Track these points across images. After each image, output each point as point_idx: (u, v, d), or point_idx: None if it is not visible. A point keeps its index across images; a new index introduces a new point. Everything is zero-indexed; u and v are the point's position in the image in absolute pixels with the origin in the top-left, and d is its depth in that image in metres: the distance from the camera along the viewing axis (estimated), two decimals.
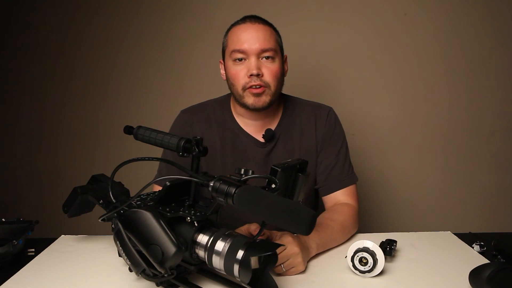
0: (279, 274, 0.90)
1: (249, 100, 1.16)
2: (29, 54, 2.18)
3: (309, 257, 0.97)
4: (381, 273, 0.88)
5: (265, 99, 1.16)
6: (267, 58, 1.15)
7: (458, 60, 2.04)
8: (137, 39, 2.12)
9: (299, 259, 0.90)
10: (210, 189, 0.70)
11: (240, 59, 1.15)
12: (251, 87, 1.14)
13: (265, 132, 1.22)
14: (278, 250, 0.82)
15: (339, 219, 1.11)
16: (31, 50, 2.17)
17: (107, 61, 2.15)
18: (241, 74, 1.15)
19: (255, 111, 1.19)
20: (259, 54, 1.14)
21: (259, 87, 1.14)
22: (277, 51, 1.18)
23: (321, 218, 1.10)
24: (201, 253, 0.76)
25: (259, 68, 1.14)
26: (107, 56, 2.14)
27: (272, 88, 1.16)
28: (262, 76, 1.14)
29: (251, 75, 1.13)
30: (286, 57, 1.26)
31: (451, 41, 2.03)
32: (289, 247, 0.89)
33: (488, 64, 2.04)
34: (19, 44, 2.17)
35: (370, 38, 2.04)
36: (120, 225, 0.74)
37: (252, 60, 1.14)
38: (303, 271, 0.92)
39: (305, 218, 0.63)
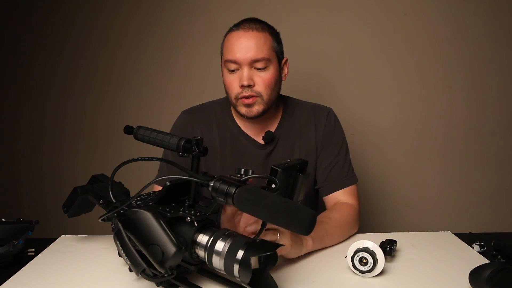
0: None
1: (242, 109, 1.17)
2: (29, 54, 2.18)
3: (304, 249, 0.97)
4: (381, 273, 0.88)
5: (257, 108, 1.16)
6: (259, 68, 1.15)
7: (458, 60, 2.04)
8: (137, 39, 2.12)
9: (286, 233, 0.91)
10: (210, 189, 0.71)
11: (233, 70, 1.16)
12: (242, 97, 1.15)
13: (265, 134, 1.23)
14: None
15: (335, 216, 1.12)
16: (31, 50, 2.17)
17: (107, 61, 2.15)
18: (234, 84, 1.16)
19: (249, 119, 1.19)
20: (251, 64, 1.14)
21: (250, 98, 1.14)
22: (271, 59, 1.16)
23: (318, 217, 1.10)
24: (201, 253, 0.76)
25: (250, 79, 1.14)
26: (107, 56, 2.14)
27: (265, 97, 1.16)
28: (254, 86, 1.14)
29: (242, 85, 1.14)
30: (286, 59, 1.25)
31: (451, 41, 2.03)
32: None
33: (488, 64, 2.04)
34: (19, 44, 2.17)
35: (370, 38, 2.04)
36: (120, 225, 0.74)
37: (244, 70, 1.14)
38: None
39: (305, 218, 0.64)
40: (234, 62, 1.14)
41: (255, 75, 1.15)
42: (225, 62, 1.17)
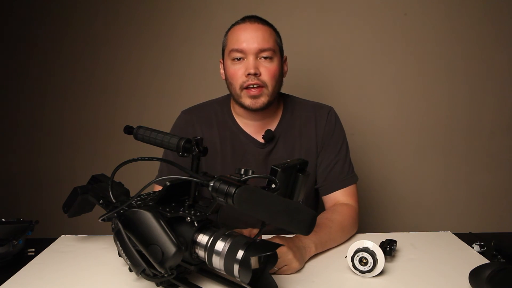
0: (276, 274, 0.89)
1: (247, 101, 1.16)
2: (29, 54, 2.18)
3: (307, 257, 0.97)
4: (381, 273, 0.88)
5: (263, 100, 1.16)
6: (265, 58, 1.15)
7: (458, 60, 2.04)
8: (137, 39, 2.12)
9: (290, 256, 0.89)
10: (210, 189, 0.70)
11: (239, 58, 1.16)
12: (248, 87, 1.15)
13: (264, 133, 1.22)
14: None
15: (337, 219, 1.11)
16: (31, 50, 2.17)
17: (107, 61, 2.15)
18: (239, 73, 1.16)
19: (253, 111, 1.19)
20: (257, 54, 1.15)
21: (256, 87, 1.14)
22: (276, 51, 1.18)
23: (320, 218, 1.10)
24: (201, 253, 0.76)
25: (256, 68, 1.14)
26: (107, 56, 2.14)
27: (270, 88, 1.16)
28: (260, 75, 1.15)
29: (249, 74, 1.14)
30: (286, 58, 1.26)
31: (451, 41, 2.03)
32: None
33: (488, 64, 2.04)
34: (19, 44, 2.17)
35: (370, 38, 2.04)
36: (120, 225, 0.74)
37: (250, 59, 1.14)
38: (301, 270, 0.92)
39: (305, 218, 0.63)
40: (241, 51, 1.15)
41: (260, 65, 1.15)
42: (230, 52, 1.17)
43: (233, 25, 1.22)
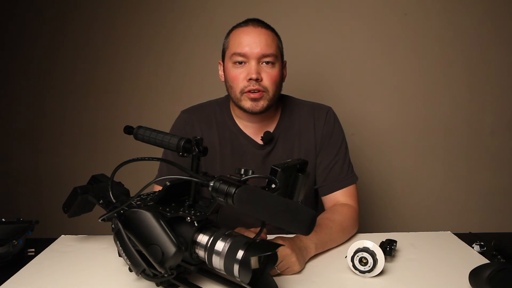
0: (278, 274, 0.90)
1: (246, 104, 1.16)
2: (29, 54, 2.18)
3: (307, 257, 0.97)
4: (381, 273, 0.88)
5: (262, 103, 1.16)
6: (267, 63, 1.15)
7: (458, 60, 2.04)
8: (137, 39, 2.12)
9: (293, 259, 0.90)
10: (210, 189, 0.70)
11: (240, 62, 1.15)
12: (249, 91, 1.14)
13: (263, 135, 1.22)
14: None
15: (338, 219, 1.11)
16: (31, 50, 2.17)
17: (107, 61, 2.15)
18: (240, 77, 1.15)
19: (253, 114, 1.19)
20: (259, 59, 1.14)
21: (257, 92, 1.14)
22: (278, 57, 1.18)
23: (320, 218, 1.10)
24: (201, 253, 0.76)
25: (258, 73, 1.14)
26: (107, 56, 2.14)
27: (270, 93, 1.16)
28: (261, 80, 1.15)
29: (250, 79, 1.13)
30: (286, 62, 1.26)
31: (451, 41, 2.03)
32: (280, 249, 0.89)
33: (488, 64, 2.04)
34: (19, 44, 2.17)
35: (370, 38, 2.04)
36: (120, 225, 0.74)
37: (252, 64, 1.14)
38: (301, 271, 0.92)
39: (305, 218, 0.63)
40: (243, 55, 1.14)
41: (262, 70, 1.15)
42: (232, 55, 1.16)
43: (235, 27, 1.21)
